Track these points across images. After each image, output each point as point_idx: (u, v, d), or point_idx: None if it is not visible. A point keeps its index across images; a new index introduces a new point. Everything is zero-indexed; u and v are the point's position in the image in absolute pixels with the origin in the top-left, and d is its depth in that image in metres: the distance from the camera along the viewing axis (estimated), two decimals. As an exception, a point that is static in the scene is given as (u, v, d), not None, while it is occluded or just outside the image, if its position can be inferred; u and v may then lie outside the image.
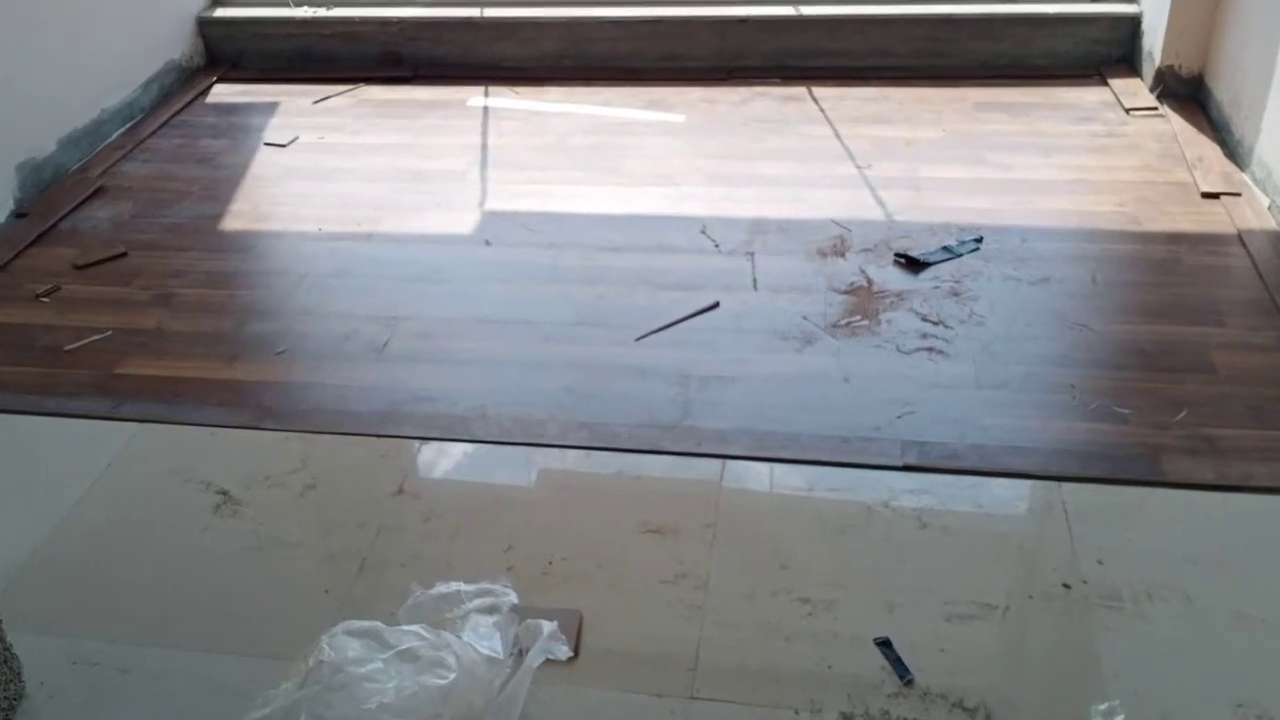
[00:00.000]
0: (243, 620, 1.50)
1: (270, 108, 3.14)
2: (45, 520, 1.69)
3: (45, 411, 1.94)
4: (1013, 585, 1.50)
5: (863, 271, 2.23)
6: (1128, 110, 2.81)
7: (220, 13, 3.41)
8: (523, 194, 2.62)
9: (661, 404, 1.88)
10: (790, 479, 1.71)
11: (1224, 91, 2.67)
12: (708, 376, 1.94)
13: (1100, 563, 1.51)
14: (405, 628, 1.33)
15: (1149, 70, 2.91)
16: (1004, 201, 2.45)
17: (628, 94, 3.10)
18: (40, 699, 1.39)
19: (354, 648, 1.29)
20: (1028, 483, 1.67)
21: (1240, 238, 2.25)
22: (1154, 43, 2.88)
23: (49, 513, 1.70)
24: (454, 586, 1.42)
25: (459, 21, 3.27)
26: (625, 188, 2.62)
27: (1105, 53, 3.06)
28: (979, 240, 2.30)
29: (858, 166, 2.65)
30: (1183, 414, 1.78)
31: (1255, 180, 2.43)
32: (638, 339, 2.06)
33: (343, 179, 2.73)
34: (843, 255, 2.29)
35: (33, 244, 2.50)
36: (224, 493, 1.73)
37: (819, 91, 3.05)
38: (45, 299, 2.29)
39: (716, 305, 2.15)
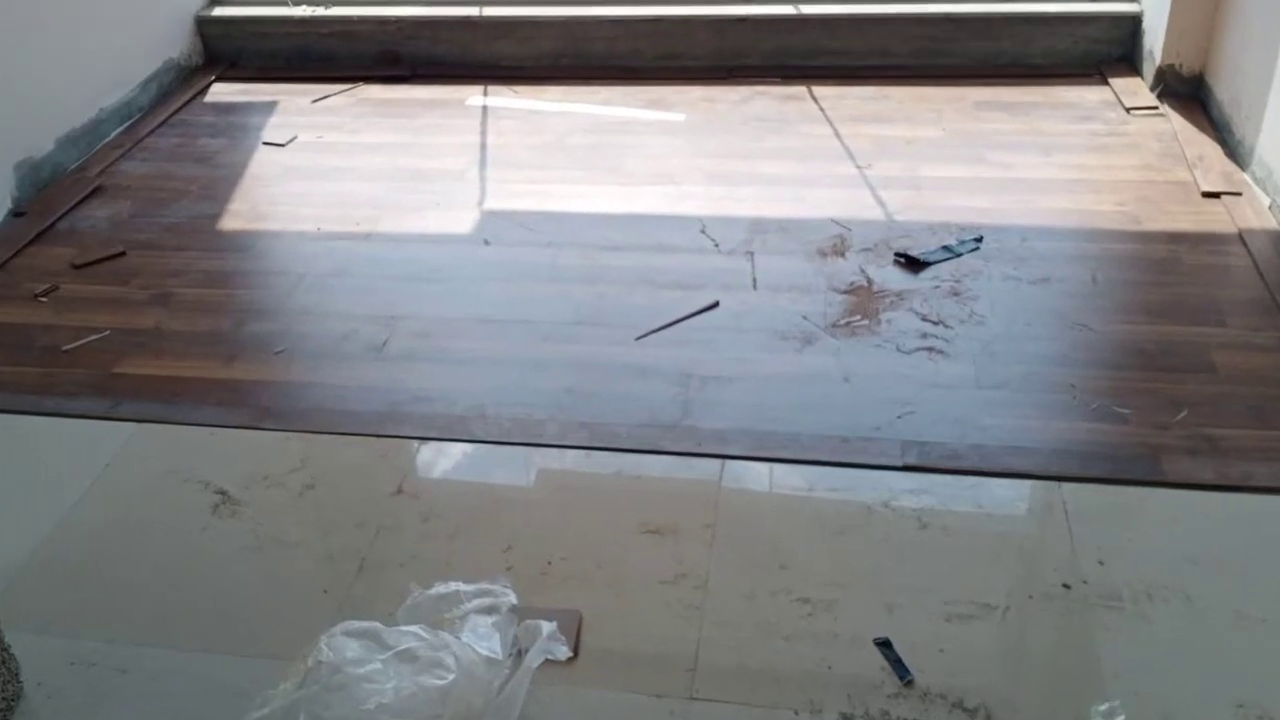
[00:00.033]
0: (241, 620, 1.50)
1: (269, 107, 3.13)
2: (43, 520, 1.69)
3: (43, 411, 1.94)
4: (1013, 585, 1.50)
5: (863, 271, 2.23)
6: (1128, 109, 2.81)
7: (219, 11, 3.40)
8: (522, 193, 2.61)
9: (661, 404, 1.87)
10: (790, 479, 1.70)
11: (1225, 91, 2.67)
12: (707, 376, 1.94)
13: (1100, 563, 1.50)
14: (404, 628, 1.33)
15: (1149, 69, 2.91)
16: (1004, 201, 2.45)
17: (627, 93, 3.10)
18: (38, 699, 1.39)
19: (353, 648, 1.29)
20: (1028, 483, 1.67)
21: (1241, 237, 2.24)
22: (1155, 42, 2.87)
23: (47, 513, 1.70)
24: (453, 587, 1.42)
25: (457, 20, 3.27)
26: (625, 187, 2.62)
27: (1106, 52, 3.06)
28: (979, 240, 2.30)
29: (858, 166, 2.64)
30: (1183, 414, 1.78)
31: (1256, 179, 2.43)
32: (637, 339, 2.06)
33: (341, 178, 2.72)
34: (843, 255, 2.29)
35: (31, 243, 2.49)
36: (223, 493, 1.72)
37: (819, 91, 3.04)
38: (43, 298, 2.29)
39: (716, 305, 2.15)
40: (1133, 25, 3.02)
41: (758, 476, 1.72)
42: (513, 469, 1.79)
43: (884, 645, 1.40)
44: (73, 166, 2.82)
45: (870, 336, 2.02)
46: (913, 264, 2.23)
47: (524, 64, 3.27)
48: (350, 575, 1.56)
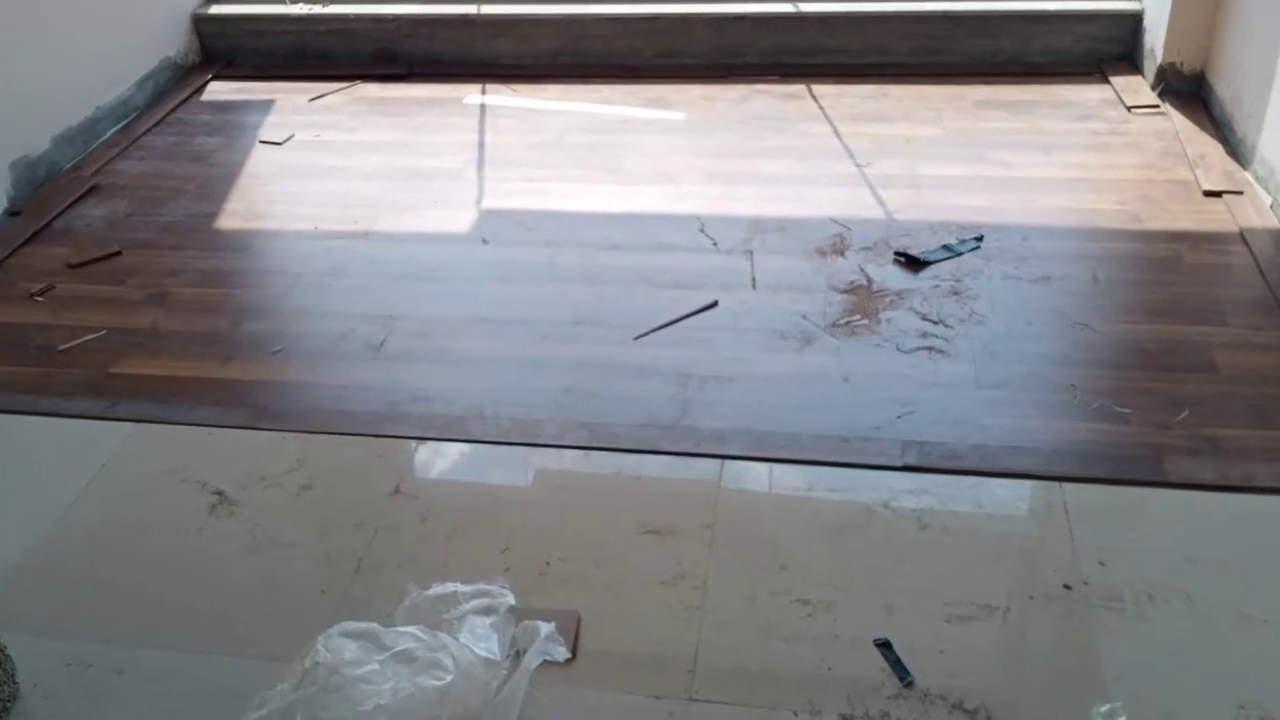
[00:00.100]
0: (239, 621, 1.49)
1: (266, 105, 3.12)
2: (40, 521, 1.68)
3: (39, 411, 1.93)
4: (1013, 586, 1.49)
5: (862, 270, 2.22)
6: (1129, 108, 2.80)
7: (215, 10, 3.39)
8: (520, 192, 2.60)
9: (660, 404, 1.87)
10: (789, 479, 1.70)
11: (1226, 89, 2.66)
12: (706, 376, 1.93)
13: (1101, 563, 1.50)
14: (402, 629, 1.33)
15: (1150, 68, 2.90)
16: (1004, 200, 2.44)
17: (626, 92, 3.09)
18: (35, 701, 1.39)
19: (350, 649, 1.29)
20: (1028, 483, 1.66)
21: (1242, 236, 2.24)
22: (1155, 40, 2.87)
23: (43, 513, 1.69)
24: (451, 587, 1.42)
25: (455, 19, 3.26)
26: (623, 186, 2.61)
27: (1106, 50, 3.05)
28: (979, 239, 2.29)
29: (857, 165, 2.64)
30: (1184, 414, 1.77)
31: (1257, 178, 2.42)
32: (636, 338, 2.05)
33: (339, 177, 2.72)
34: (842, 254, 2.28)
35: (27, 243, 2.48)
36: (220, 493, 1.72)
37: (818, 89, 3.04)
38: (39, 298, 2.28)
39: (715, 304, 2.14)
40: (1133, 23, 3.01)
41: (757, 477, 1.71)
42: (511, 469, 1.79)
43: (884, 646, 1.40)
44: (69, 165, 2.82)
45: (870, 336, 2.02)
46: (913, 263, 2.22)
47: (522, 62, 3.26)
48: (348, 576, 1.55)
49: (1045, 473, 1.67)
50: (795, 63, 3.15)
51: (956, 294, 2.13)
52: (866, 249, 2.29)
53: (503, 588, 1.43)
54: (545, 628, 1.37)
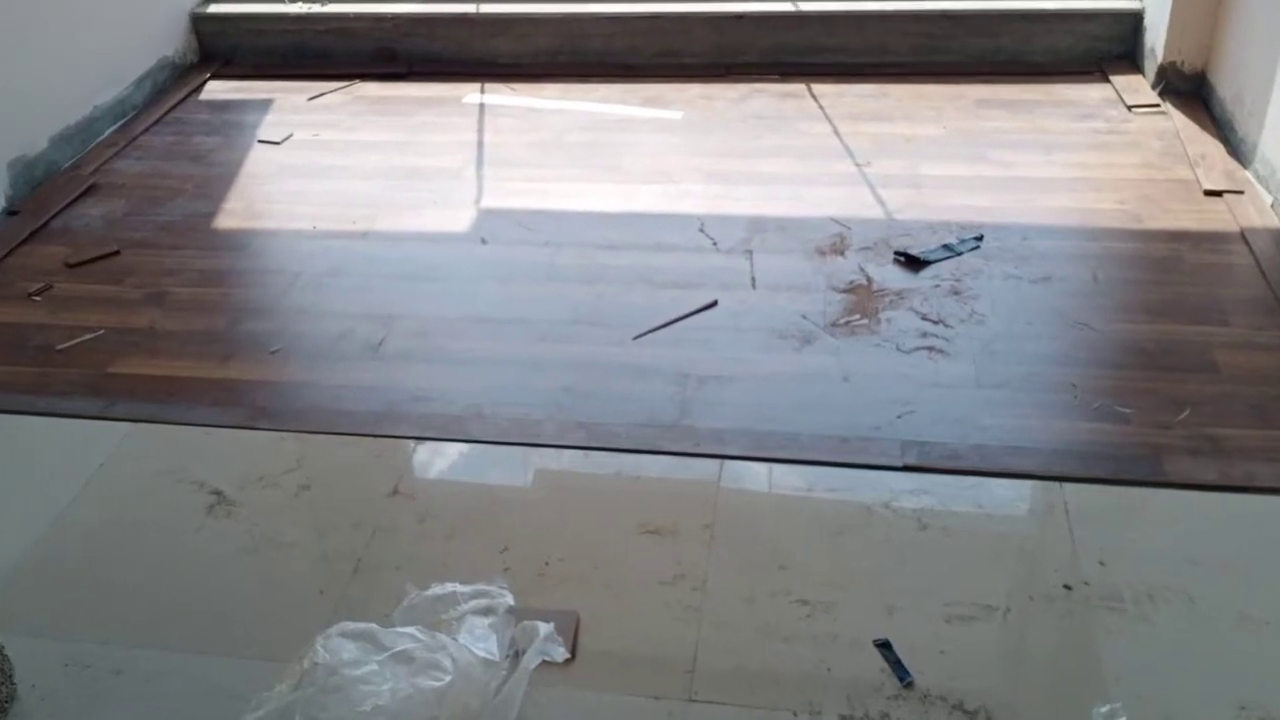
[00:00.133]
0: (237, 622, 1.49)
1: (264, 104, 3.12)
2: (37, 521, 1.68)
3: (37, 411, 1.93)
4: (1013, 586, 1.49)
5: (862, 270, 2.22)
6: (1129, 107, 2.80)
7: (214, 8, 3.39)
8: (519, 192, 2.60)
9: (659, 404, 1.86)
10: (789, 479, 1.69)
11: (1227, 88, 2.66)
12: (706, 376, 1.93)
13: (1102, 564, 1.50)
14: (400, 629, 1.33)
15: (1151, 67, 2.89)
16: (1005, 199, 2.44)
17: (625, 91, 3.08)
18: (32, 701, 1.38)
19: (349, 649, 1.29)
20: (1029, 483, 1.66)
21: (1243, 236, 2.23)
22: (1156, 39, 2.86)
23: (41, 513, 1.69)
24: (449, 588, 1.42)
25: (454, 18, 3.26)
26: (622, 185, 2.60)
27: (1107, 49, 3.05)
28: (979, 238, 2.29)
29: (857, 164, 2.63)
30: (1185, 414, 1.77)
31: (1258, 178, 2.42)
32: (635, 338, 2.05)
33: (337, 176, 2.71)
34: (842, 254, 2.28)
35: (24, 242, 2.48)
36: (218, 493, 1.71)
37: (817, 88, 3.03)
38: (37, 298, 2.28)
39: (715, 304, 2.14)
40: (1134, 22, 3.01)
41: (757, 477, 1.71)
42: (510, 469, 1.78)
43: (884, 647, 1.39)
44: (67, 165, 2.81)
45: (870, 336, 2.01)
46: (913, 263, 2.22)
47: (521, 61, 3.25)
48: (346, 576, 1.55)
49: (1045, 473, 1.66)
50: (795, 62, 3.14)
51: (956, 294, 2.12)
52: (866, 248, 2.29)
53: (501, 588, 1.43)
54: (544, 628, 1.36)
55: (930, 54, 3.11)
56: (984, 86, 2.97)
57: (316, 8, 3.33)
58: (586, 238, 2.39)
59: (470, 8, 3.26)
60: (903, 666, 1.36)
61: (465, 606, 1.39)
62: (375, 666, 1.26)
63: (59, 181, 2.73)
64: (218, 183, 2.71)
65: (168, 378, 2.00)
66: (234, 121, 3.04)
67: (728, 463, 1.72)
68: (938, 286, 2.15)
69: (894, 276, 2.19)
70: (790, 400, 1.85)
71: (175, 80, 3.27)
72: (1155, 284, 2.13)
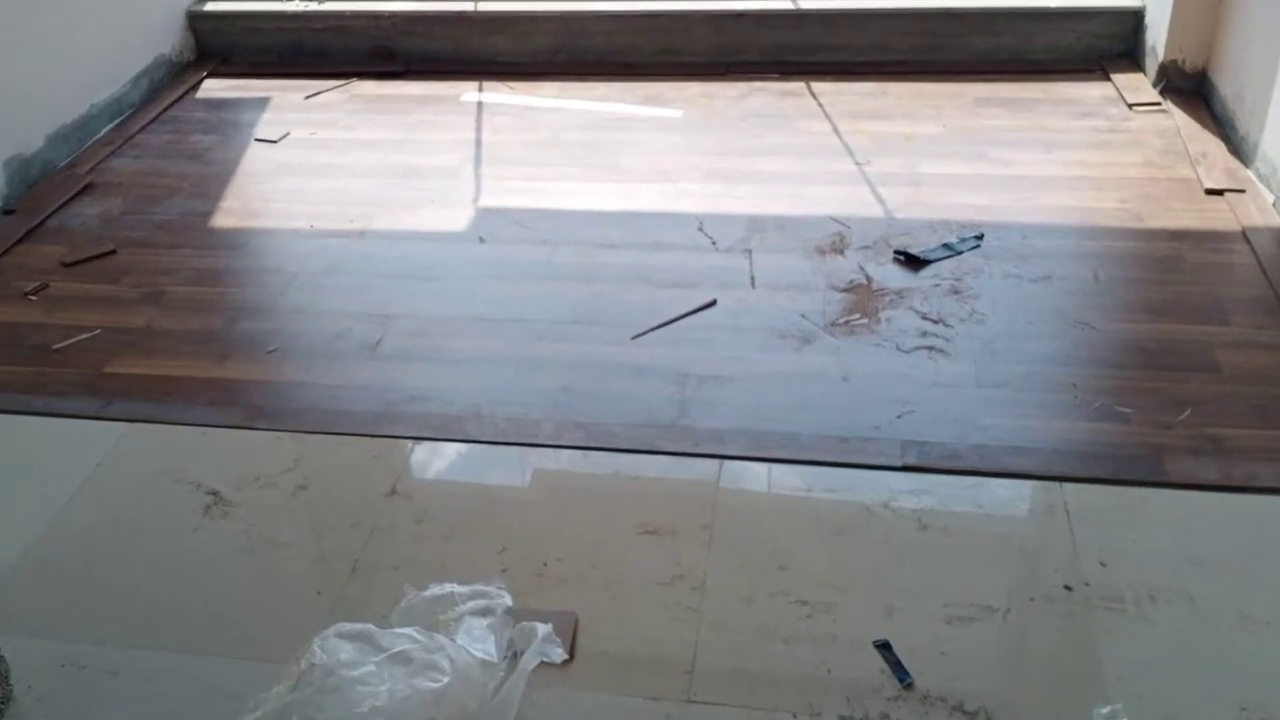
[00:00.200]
0: (234, 622, 1.48)
1: (261, 103, 3.11)
2: (34, 521, 1.67)
3: (34, 411, 1.92)
4: (1014, 587, 1.48)
5: (862, 269, 2.21)
6: (1130, 106, 2.79)
7: (211, 6, 3.38)
8: (517, 190, 2.59)
9: (658, 403, 1.86)
10: (788, 479, 1.69)
11: (1228, 87, 2.65)
12: (705, 375, 1.92)
13: (1102, 564, 1.49)
14: (398, 630, 1.32)
15: (1152, 65, 2.89)
16: (1005, 198, 2.43)
17: (624, 89, 3.08)
18: (29, 702, 1.38)
19: (346, 650, 1.28)
20: (1029, 483, 1.65)
21: (1244, 235, 2.23)
22: (1157, 37, 2.86)
23: (37, 514, 1.68)
24: (448, 588, 1.41)
25: (452, 16, 3.25)
26: (621, 184, 2.60)
27: (1107, 47, 3.04)
28: (979, 237, 2.28)
29: (857, 163, 2.63)
30: (1186, 413, 1.76)
31: (1260, 176, 2.41)
32: (634, 337, 2.04)
33: (335, 175, 2.70)
34: (842, 253, 2.27)
35: (20, 241, 2.47)
36: (215, 493, 1.70)
37: (817, 87, 3.02)
38: (33, 297, 2.27)
39: (714, 303, 2.13)
40: (1135, 20, 3.00)
41: (756, 477, 1.70)
42: (508, 469, 1.78)
43: (883, 648, 1.39)
44: (63, 163, 2.80)
45: (869, 335, 2.01)
46: (912, 262, 2.21)
47: (519, 59, 3.24)
48: (344, 577, 1.54)
49: (1046, 473, 1.66)
50: (795, 60, 3.13)
51: (957, 293, 2.11)
52: (866, 247, 2.28)
53: (500, 589, 1.42)
54: (543, 629, 1.36)
55: (930, 52, 3.10)
56: (984, 85, 2.96)
57: (314, 6, 3.32)
58: (585, 237, 2.38)
59: (468, 5, 3.25)
60: (903, 667, 1.36)
61: (463, 607, 1.39)
62: (373, 667, 1.26)
63: (55, 180, 2.72)
64: (214, 181, 2.70)
65: (164, 377, 1.99)
66: (231, 120, 3.03)
67: (727, 463, 1.71)
68: (938, 286, 2.14)
69: (894, 275, 2.18)
70: (789, 400, 1.85)
71: (172, 78, 3.26)
72: (1156, 283, 2.12)
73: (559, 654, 1.35)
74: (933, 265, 2.20)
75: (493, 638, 1.35)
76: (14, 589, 1.56)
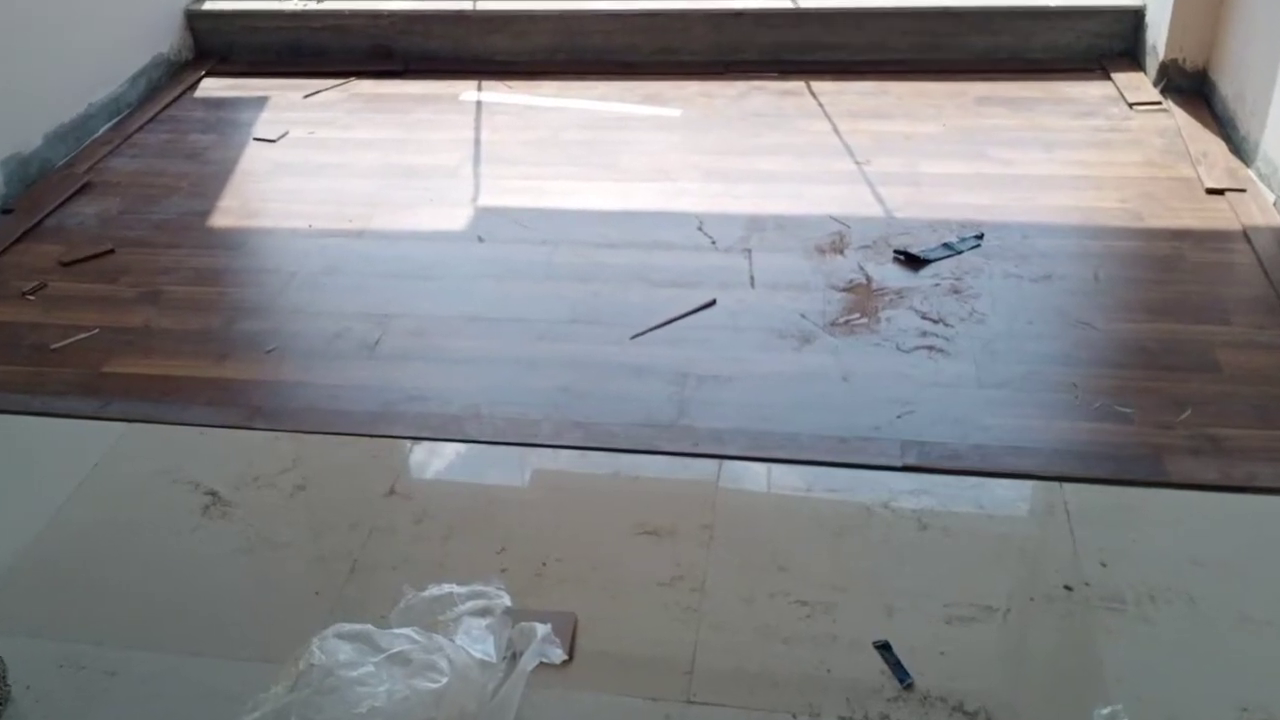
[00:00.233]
0: (232, 623, 1.48)
1: (260, 102, 3.10)
2: (32, 521, 1.67)
3: (31, 411, 1.91)
4: (1014, 587, 1.48)
5: (862, 269, 2.21)
6: (1131, 105, 2.79)
7: (209, 5, 3.37)
8: (516, 190, 2.59)
9: (657, 403, 1.85)
10: (788, 479, 1.68)
11: (1229, 86, 2.65)
12: (704, 375, 1.92)
13: (1103, 564, 1.49)
14: (397, 630, 1.32)
15: (1152, 64, 2.89)
16: (1005, 197, 2.43)
17: (623, 88, 3.07)
18: (27, 703, 1.37)
19: (345, 651, 1.28)
20: (1029, 483, 1.65)
21: (1245, 234, 2.23)
22: (1158, 36, 2.85)
23: (35, 514, 1.68)
24: (446, 589, 1.41)
25: (451, 15, 3.24)
26: (620, 183, 2.59)
27: (1108, 46, 3.04)
28: (980, 237, 2.28)
29: (856, 162, 2.62)
30: (1187, 413, 1.76)
31: (1260, 176, 2.41)
32: (633, 337, 2.04)
33: (333, 174, 2.70)
34: (841, 252, 2.27)
35: (18, 241, 2.47)
36: (213, 493, 1.70)
37: (817, 86, 3.02)
38: (31, 297, 2.26)
39: (713, 303, 2.13)
40: (1135, 19, 3.00)
41: (755, 477, 1.70)
42: (507, 469, 1.77)
43: (883, 648, 1.38)
44: (61, 163, 2.80)
45: (869, 335, 2.00)
46: (912, 261, 2.21)
47: (518, 59, 3.24)
48: (342, 577, 1.54)
49: (1046, 473, 1.65)
50: (794, 59, 3.13)
51: (957, 292, 2.11)
52: (866, 247, 2.28)
53: (499, 589, 1.42)
54: (542, 629, 1.36)
55: (930, 51, 3.09)
56: (984, 84, 2.96)
57: (312, 5, 3.32)
58: (584, 236, 2.38)
59: (467, 4, 3.25)
60: (902, 668, 1.36)
61: (462, 607, 1.38)
62: (371, 668, 1.26)
63: (53, 180, 2.72)
64: (213, 181, 2.69)
65: (163, 377, 1.99)
66: (229, 119, 3.02)
67: (726, 463, 1.71)
68: (938, 285, 2.14)
69: (894, 275, 2.18)
70: (789, 400, 1.84)
71: (170, 78, 3.25)
72: (1157, 283, 2.12)
73: (558, 654, 1.35)
74: (933, 265, 2.20)
75: (492, 638, 1.35)
76: (12, 589, 1.55)
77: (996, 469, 1.67)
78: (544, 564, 1.54)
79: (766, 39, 3.14)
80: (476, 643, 1.34)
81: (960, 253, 2.24)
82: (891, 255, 2.24)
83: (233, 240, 2.45)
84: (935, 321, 2.03)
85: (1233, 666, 1.34)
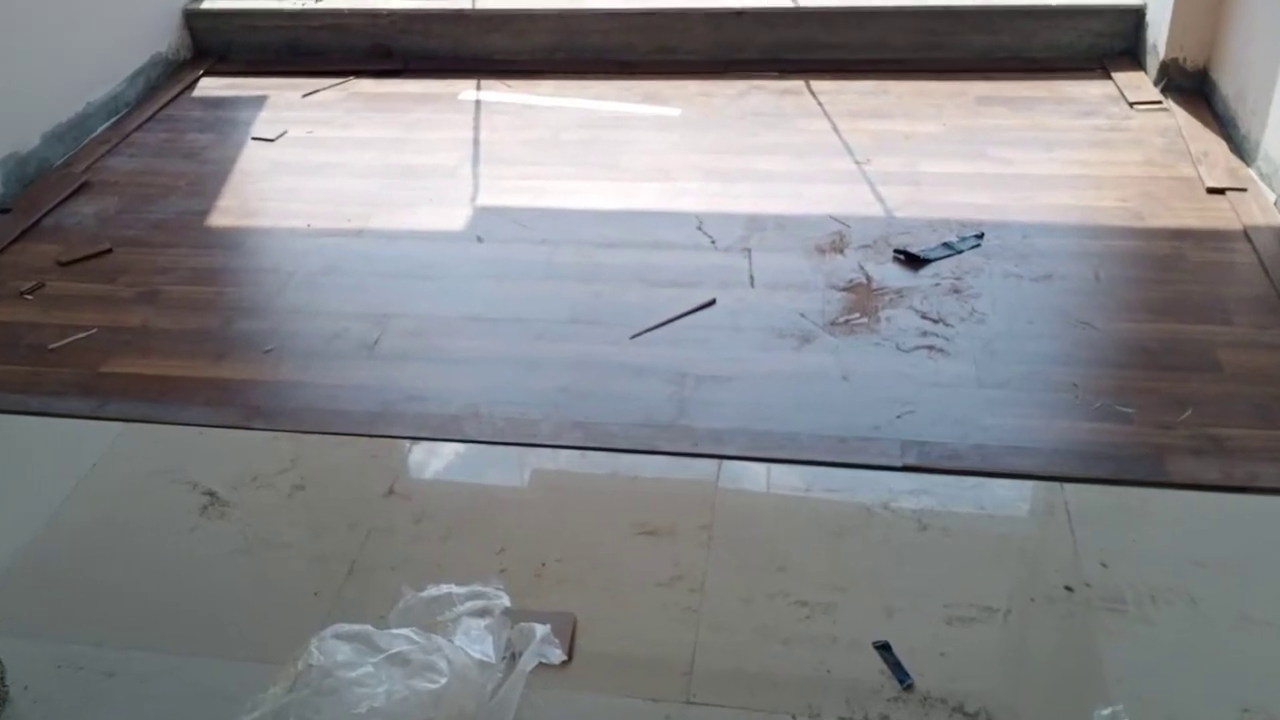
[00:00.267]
0: (231, 623, 1.48)
1: (258, 101, 3.10)
2: (29, 522, 1.66)
3: (29, 411, 1.91)
4: (1014, 588, 1.48)
5: (862, 268, 2.20)
6: (1131, 104, 2.78)
7: (207, 4, 3.37)
8: (515, 189, 2.58)
9: (657, 403, 1.85)
10: (788, 479, 1.68)
11: (1229, 85, 2.64)
12: (704, 375, 1.91)
13: (1103, 565, 1.48)
14: (396, 631, 1.32)
15: (1153, 63, 2.88)
16: (1005, 197, 2.42)
17: (622, 87, 3.07)
18: (25, 704, 1.37)
19: (344, 651, 1.28)
20: (1029, 483, 1.64)
21: (1246, 233, 2.22)
22: (1158, 35, 2.85)
23: (33, 514, 1.68)
24: (445, 589, 1.41)
25: (450, 14, 3.24)
26: (620, 183, 2.59)
27: (1108, 45, 3.03)
28: (980, 236, 2.28)
29: (856, 161, 2.62)
30: (1187, 413, 1.76)
31: (1261, 175, 2.41)
32: (633, 337, 2.03)
33: (332, 174, 2.69)
34: (841, 252, 2.26)
35: (16, 240, 2.46)
36: (211, 493, 1.70)
37: (816, 85, 3.02)
38: (29, 296, 2.26)
39: (713, 303, 2.12)
40: (1136, 19, 2.99)
41: (755, 477, 1.69)
42: (506, 469, 1.77)
43: (883, 649, 1.38)
44: (59, 162, 2.79)
45: (869, 335, 2.00)
46: (912, 261, 2.21)
47: (517, 58, 3.24)
48: (341, 577, 1.54)
49: (1046, 473, 1.65)
50: (794, 58, 3.13)
51: (957, 292, 2.11)
52: (866, 246, 2.27)
53: (498, 589, 1.41)
54: (541, 630, 1.35)
55: (930, 50, 3.09)
56: (985, 83, 2.96)
57: (311, 3, 3.31)
58: (583, 236, 2.37)
59: (466, 4, 3.24)
60: (902, 668, 1.35)
61: (461, 608, 1.38)
62: (370, 668, 1.25)
63: (51, 179, 2.71)
64: (211, 180, 2.69)
65: (161, 377, 1.98)
66: (227, 118, 3.02)
67: (726, 463, 1.71)
68: (938, 285, 2.13)
69: (894, 275, 2.17)
70: (789, 400, 1.84)
71: (168, 77, 3.25)
72: (1157, 282, 2.12)
73: (557, 655, 1.34)
74: (933, 264, 2.20)
75: (491, 639, 1.35)
76: (10, 589, 1.55)
77: (997, 469, 1.66)
78: (543, 564, 1.54)
79: (766, 38, 3.14)
80: (475, 643, 1.33)
81: (960, 252, 2.23)
82: (891, 255, 2.24)
83: (231, 240, 2.45)
84: (935, 321, 2.02)
85: (1233, 667, 1.34)
